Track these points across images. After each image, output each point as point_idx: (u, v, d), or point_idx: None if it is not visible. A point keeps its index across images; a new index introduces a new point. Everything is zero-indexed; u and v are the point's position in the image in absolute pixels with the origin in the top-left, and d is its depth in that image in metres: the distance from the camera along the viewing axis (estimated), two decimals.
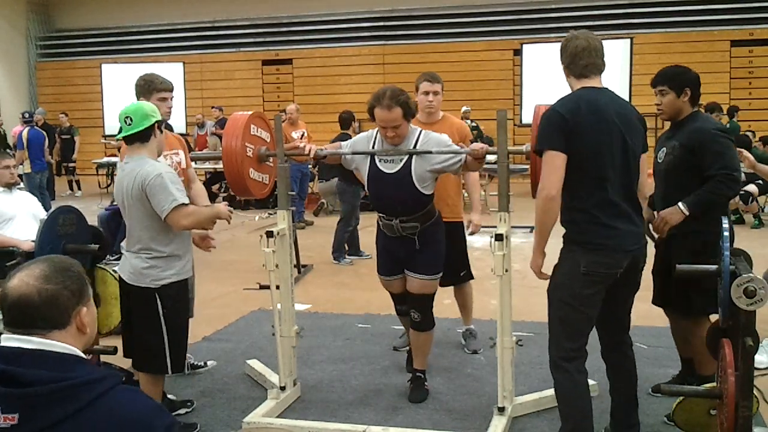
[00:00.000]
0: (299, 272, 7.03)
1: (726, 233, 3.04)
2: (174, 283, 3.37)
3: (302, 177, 10.09)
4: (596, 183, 2.90)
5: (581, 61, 2.97)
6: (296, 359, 4.02)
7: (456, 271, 4.46)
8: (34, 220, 4.56)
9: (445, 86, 4.49)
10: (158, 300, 3.33)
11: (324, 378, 4.29)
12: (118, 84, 14.90)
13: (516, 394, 3.68)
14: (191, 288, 4.20)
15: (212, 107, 14.78)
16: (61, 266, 1.60)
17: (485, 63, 15.58)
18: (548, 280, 3.08)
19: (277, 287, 3.84)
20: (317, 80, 16.40)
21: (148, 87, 3.90)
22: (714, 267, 3.03)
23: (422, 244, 3.77)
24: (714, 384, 3.18)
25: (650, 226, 3.62)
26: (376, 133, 3.77)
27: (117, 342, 4.12)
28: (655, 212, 3.61)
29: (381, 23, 16.42)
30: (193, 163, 4.36)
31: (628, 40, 13.45)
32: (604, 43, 3.08)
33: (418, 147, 3.66)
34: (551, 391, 3.29)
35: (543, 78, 12.27)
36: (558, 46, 3.10)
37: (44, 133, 11.61)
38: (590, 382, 3.71)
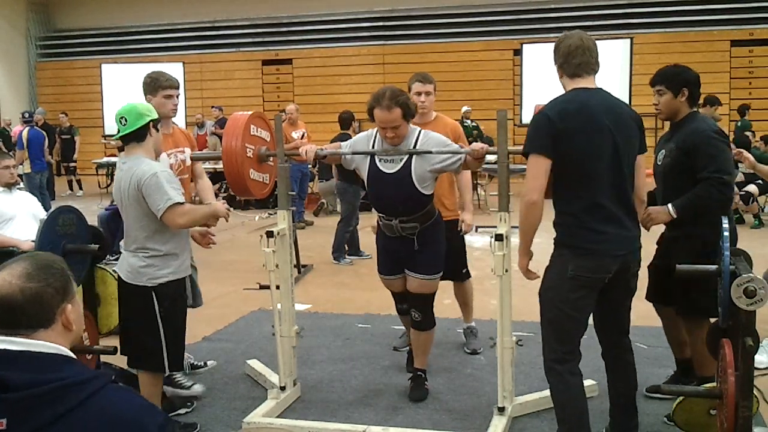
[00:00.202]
0: (299, 272, 7.03)
1: (726, 233, 3.04)
2: (171, 282, 3.38)
3: (302, 177, 10.09)
4: (585, 186, 2.88)
5: (574, 60, 2.94)
6: (296, 359, 4.02)
7: (456, 268, 4.46)
8: (34, 220, 4.56)
9: (445, 86, 4.50)
10: (155, 298, 3.34)
11: (324, 378, 4.29)
12: (117, 84, 14.92)
13: (516, 394, 3.68)
14: (194, 279, 4.23)
15: (212, 107, 14.80)
16: (43, 263, 1.58)
17: (485, 63, 15.59)
18: (540, 281, 3.07)
19: (277, 287, 3.84)
20: (317, 80, 16.41)
21: (154, 84, 3.93)
22: (714, 267, 3.03)
23: (422, 243, 3.77)
24: (714, 384, 3.18)
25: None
26: (376, 133, 3.76)
27: (117, 342, 4.12)
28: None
29: (381, 23, 16.43)
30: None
31: (628, 40, 13.45)
32: (604, 43, 3.08)
33: (417, 147, 3.66)
34: None
35: (543, 78, 12.23)
36: None
37: (44, 133, 11.62)
38: (590, 382, 3.73)
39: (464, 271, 4.56)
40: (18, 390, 1.41)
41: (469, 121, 12.81)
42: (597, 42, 3.04)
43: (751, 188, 9.19)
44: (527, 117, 13.15)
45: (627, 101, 9.50)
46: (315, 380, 4.24)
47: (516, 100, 14.67)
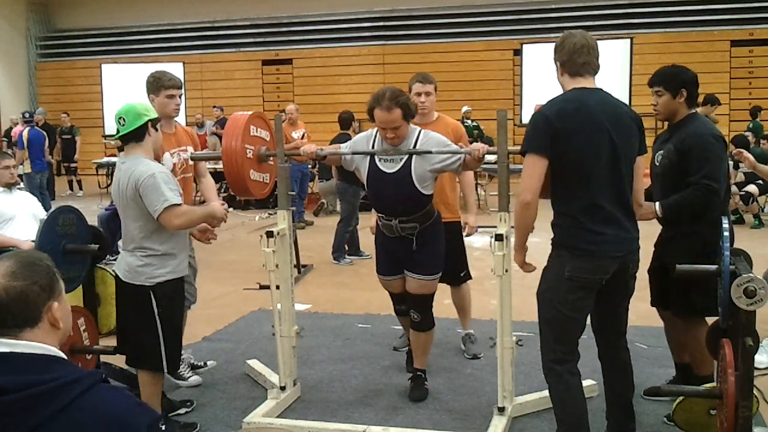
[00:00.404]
0: (299, 272, 7.03)
1: (726, 233, 3.04)
2: (169, 281, 3.38)
3: (302, 177, 10.09)
4: (582, 187, 2.87)
5: (579, 59, 2.93)
6: (296, 359, 4.02)
7: (455, 270, 4.46)
8: (34, 220, 4.56)
9: (446, 86, 4.50)
10: (153, 298, 3.34)
11: (324, 378, 4.29)
12: (118, 84, 14.91)
13: (516, 394, 3.68)
14: (193, 277, 4.23)
15: (213, 107, 14.80)
16: (28, 261, 1.55)
17: (485, 63, 15.59)
18: (539, 282, 3.07)
19: (277, 287, 3.84)
20: (317, 80, 16.41)
21: (156, 84, 3.94)
22: (714, 267, 3.03)
23: (421, 244, 3.77)
24: (714, 384, 3.18)
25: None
26: (376, 133, 3.76)
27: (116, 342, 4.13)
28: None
29: (381, 23, 16.42)
30: None
31: (628, 40, 13.44)
32: (604, 43, 3.07)
33: (417, 147, 3.66)
34: None
35: (543, 78, 12.23)
36: None
37: (44, 133, 11.61)
38: (590, 382, 3.73)
39: (462, 274, 4.55)
40: (8, 393, 1.40)
41: (469, 121, 12.81)
42: (597, 42, 3.03)
43: (751, 188, 9.19)
44: (527, 117, 13.12)
45: (627, 101, 9.52)
46: (315, 380, 4.24)
47: (516, 100, 14.67)
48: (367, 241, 7.80)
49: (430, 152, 3.64)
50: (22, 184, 5.51)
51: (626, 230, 2.95)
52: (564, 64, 2.96)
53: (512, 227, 3.51)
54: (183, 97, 4.14)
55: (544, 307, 3.02)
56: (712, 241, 3.21)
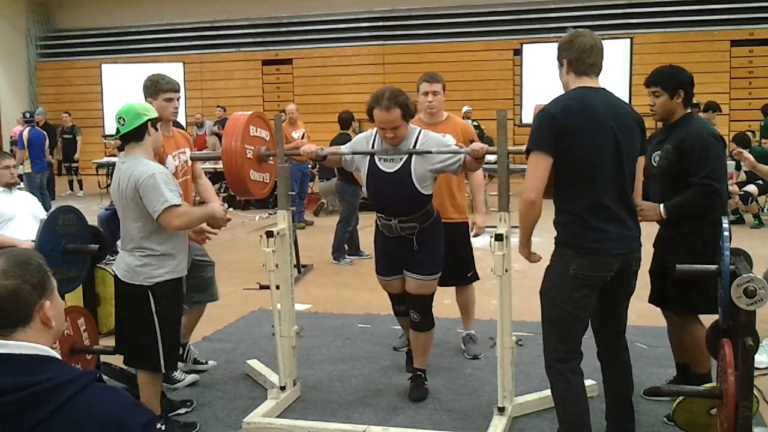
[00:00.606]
0: (299, 272, 7.03)
1: (726, 233, 3.04)
2: (168, 281, 3.37)
3: (302, 177, 10.09)
4: (587, 185, 2.87)
5: (588, 59, 2.94)
6: (296, 359, 4.02)
7: (462, 271, 4.46)
8: (34, 220, 4.56)
9: (445, 86, 4.47)
10: (151, 298, 3.34)
11: (324, 378, 4.29)
12: (117, 84, 14.93)
13: (516, 394, 3.68)
14: (212, 272, 4.29)
15: (217, 107, 14.78)
16: (19, 260, 1.54)
17: (485, 63, 15.59)
18: (541, 281, 3.07)
19: (277, 287, 3.84)
20: (317, 80, 16.41)
21: (154, 88, 3.94)
22: (714, 267, 3.03)
23: (421, 244, 3.77)
24: (714, 384, 3.18)
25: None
26: (375, 133, 3.76)
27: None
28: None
29: (381, 23, 16.42)
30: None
31: (628, 40, 13.45)
32: (605, 43, 3.06)
33: (417, 147, 3.66)
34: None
35: (543, 78, 12.26)
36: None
37: (45, 133, 11.61)
38: (590, 382, 3.72)
39: (470, 274, 4.54)
40: (3, 395, 1.40)
41: (469, 121, 12.82)
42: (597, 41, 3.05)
43: (751, 188, 9.19)
44: (527, 117, 13.16)
45: (627, 101, 9.51)
46: (315, 380, 4.24)
47: (516, 100, 14.67)
48: (367, 240, 7.80)
49: (430, 152, 3.64)
50: (22, 184, 5.51)
51: (629, 228, 2.97)
52: (571, 62, 2.96)
53: (512, 227, 3.52)
54: (183, 97, 4.14)
55: (547, 306, 3.02)
56: (712, 241, 3.21)
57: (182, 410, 3.82)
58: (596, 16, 14.68)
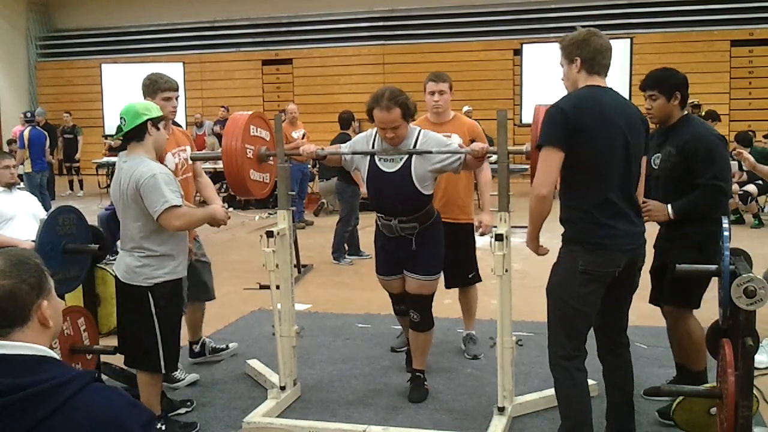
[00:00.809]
0: (299, 272, 7.03)
1: (726, 233, 3.04)
2: (167, 282, 3.37)
3: (302, 177, 10.09)
4: (596, 182, 2.90)
5: (603, 60, 2.97)
6: (296, 359, 4.02)
7: (464, 272, 4.45)
8: (34, 220, 4.56)
9: (452, 86, 4.46)
10: (151, 298, 3.34)
11: (324, 378, 4.29)
12: (117, 84, 14.92)
13: (516, 394, 3.68)
14: (208, 273, 4.35)
15: (221, 107, 14.77)
16: (16, 259, 1.53)
17: (485, 63, 15.58)
18: (548, 278, 3.08)
19: (277, 287, 3.84)
20: (317, 80, 16.41)
21: (152, 87, 3.95)
22: (714, 267, 3.03)
23: (421, 244, 3.77)
24: (713, 384, 3.18)
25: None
26: (375, 133, 3.76)
27: (117, 342, 4.13)
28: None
29: (380, 23, 16.42)
30: None
31: (628, 40, 13.44)
32: None
33: (417, 147, 3.66)
34: (551, 391, 3.28)
35: (543, 78, 12.29)
36: (558, 45, 3.09)
37: (45, 133, 11.61)
38: (591, 381, 3.71)
39: (471, 275, 4.54)
40: (1, 396, 1.39)
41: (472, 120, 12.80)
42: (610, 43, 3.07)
43: (750, 188, 9.20)
44: (527, 117, 13.16)
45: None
46: (315, 380, 4.24)
47: (516, 100, 14.67)
48: (367, 240, 7.80)
49: (430, 152, 3.64)
50: (22, 184, 5.51)
51: (635, 224, 3.00)
52: (586, 61, 2.97)
53: (513, 228, 3.52)
54: (183, 97, 4.15)
55: (554, 302, 3.02)
56: (713, 241, 3.22)
57: (182, 410, 3.82)
58: (596, 16, 14.67)
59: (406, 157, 3.65)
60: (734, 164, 6.09)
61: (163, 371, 3.47)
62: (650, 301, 3.76)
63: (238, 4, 16.91)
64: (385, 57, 16.19)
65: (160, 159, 3.50)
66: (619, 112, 2.93)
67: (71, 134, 15.03)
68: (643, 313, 3.96)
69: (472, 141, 4.09)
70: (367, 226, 7.99)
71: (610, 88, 3.01)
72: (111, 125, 14.76)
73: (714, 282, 3.20)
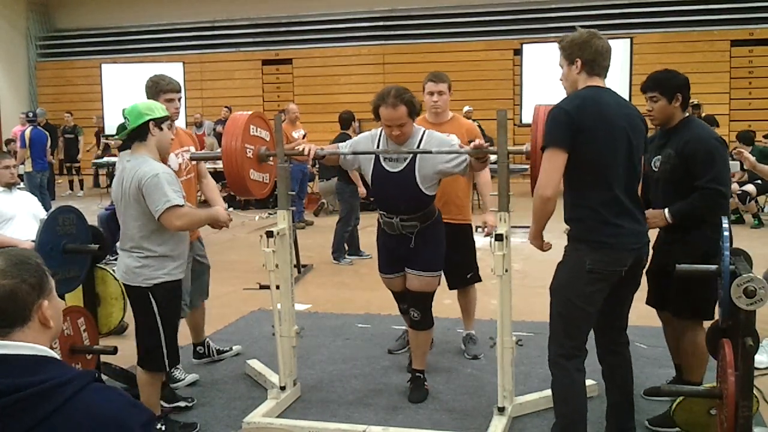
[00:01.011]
0: (299, 272, 7.03)
1: (726, 233, 3.04)
2: (166, 283, 3.38)
3: (302, 177, 10.09)
4: (602, 181, 2.91)
5: (604, 62, 2.99)
6: (296, 359, 4.02)
7: (462, 273, 4.46)
8: (34, 220, 4.56)
9: (451, 86, 4.46)
10: (152, 299, 3.35)
11: (324, 378, 4.29)
12: (117, 84, 14.92)
13: (516, 394, 3.68)
14: (206, 275, 4.37)
15: (224, 107, 14.76)
16: (17, 259, 1.53)
17: (485, 63, 15.58)
18: (552, 277, 3.08)
19: (277, 287, 3.84)
20: (317, 80, 16.41)
21: (155, 88, 3.97)
22: (714, 267, 3.03)
23: (421, 242, 3.79)
24: (713, 385, 3.18)
25: None
26: (380, 133, 3.78)
27: (117, 342, 4.14)
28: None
29: (380, 23, 16.42)
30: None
31: (628, 40, 13.44)
32: None
33: (421, 147, 3.68)
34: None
35: (543, 78, 12.27)
36: (557, 46, 3.10)
37: (47, 133, 11.60)
38: (591, 381, 3.72)
39: (469, 276, 4.54)
40: (2, 396, 1.39)
41: (471, 121, 12.80)
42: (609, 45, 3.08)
43: (749, 188, 9.19)
44: (527, 117, 13.15)
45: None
46: (315, 380, 4.24)
47: (516, 100, 14.67)
48: (367, 240, 7.81)
49: (430, 152, 3.65)
50: (22, 184, 5.51)
51: (640, 223, 3.01)
52: (587, 62, 2.98)
53: (513, 228, 3.52)
54: (183, 97, 4.15)
55: (558, 301, 3.03)
56: (715, 245, 3.20)
57: (182, 403, 3.84)
58: (596, 16, 14.67)
59: (410, 157, 3.67)
60: (736, 164, 6.09)
61: (167, 369, 3.51)
62: (647, 303, 3.75)
63: (238, 4, 16.91)
64: (385, 57, 16.19)
65: (163, 160, 3.50)
66: (620, 113, 2.94)
67: (72, 134, 15.03)
68: (643, 313, 3.95)
69: (471, 142, 4.10)
70: (367, 226, 8.00)
71: (610, 89, 3.03)
72: (111, 125, 14.76)
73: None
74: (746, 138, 9.66)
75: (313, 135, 10.75)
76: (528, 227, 3.08)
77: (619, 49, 13.02)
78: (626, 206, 2.94)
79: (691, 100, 3.72)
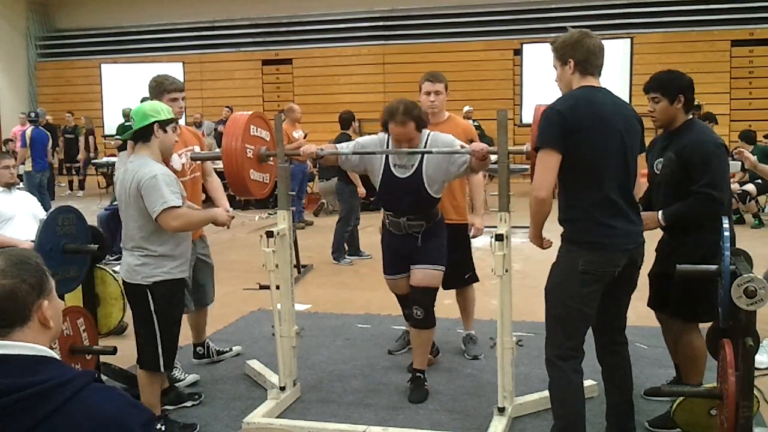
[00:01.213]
0: (299, 272, 7.03)
1: (726, 233, 3.04)
2: (166, 281, 3.40)
3: (302, 177, 10.09)
4: (595, 182, 2.90)
5: (597, 61, 2.98)
6: (296, 359, 4.01)
7: (460, 273, 4.46)
8: (33, 220, 4.56)
9: (447, 86, 4.47)
10: (150, 297, 3.38)
11: (324, 378, 4.29)
12: (117, 84, 14.94)
13: (516, 394, 3.67)
14: (211, 274, 4.36)
15: (225, 107, 14.76)
16: (17, 259, 1.53)
17: (485, 63, 15.58)
18: (547, 278, 3.08)
19: (277, 287, 3.84)
20: (317, 80, 16.41)
21: (159, 88, 3.99)
22: (714, 267, 3.03)
23: (425, 240, 3.88)
24: (713, 385, 3.18)
25: None
26: (388, 140, 3.86)
27: (117, 342, 4.13)
28: None
29: (380, 23, 16.42)
30: None
31: (628, 40, 13.44)
32: (604, 43, 3.08)
33: (426, 147, 3.75)
34: None
35: (543, 78, 12.24)
36: (549, 48, 3.10)
37: (48, 133, 11.60)
38: (591, 382, 3.73)
39: (467, 276, 4.55)
40: (2, 396, 1.39)
41: (470, 121, 12.81)
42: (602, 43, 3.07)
43: (749, 187, 9.19)
44: (527, 117, 13.16)
45: (627, 101, 9.54)
46: (315, 380, 4.24)
47: (516, 100, 14.67)
48: (367, 241, 7.81)
49: (430, 152, 3.69)
50: (21, 184, 5.50)
51: (634, 223, 3.00)
52: (579, 63, 2.98)
53: (513, 228, 3.52)
54: (184, 99, 4.16)
55: (553, 302, 3.02)
56: (714, 248, 3.19)
57: (189, 403, 3.86)
58: (596, 16, 14.68)
59: (418, 164, 3.75)
60: (737, 164, 6.07)
61: (162, 370, 3.50)
62: (648, 305, 3.74)
63: (238, 4, 16.91)
64: (385, 57, 16.19)
65: (166, 160, 3.53)
66: (614, 112, 2.93)
67: (72, 134, 15.03)
68: (643, 314, 3.95)
69: (471, 142, 4.11)
70: (367, 226, 8.00)
71: (605, 88, 3.01)
72: (111, 125, 14.77)
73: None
74: (748, 137, 9.66)
75: (313, 135, 10.74)
76: (528, 227, 3.08)
77: (619, 49, 13.05)
78: (620, 207, 2.93)
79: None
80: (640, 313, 3.69)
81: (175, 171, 3.69)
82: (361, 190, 7.56)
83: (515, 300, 3.56)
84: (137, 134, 3.40)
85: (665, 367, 4.14)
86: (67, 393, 1.42)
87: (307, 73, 16.62)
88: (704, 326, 3.56)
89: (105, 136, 15.61)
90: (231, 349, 4.69)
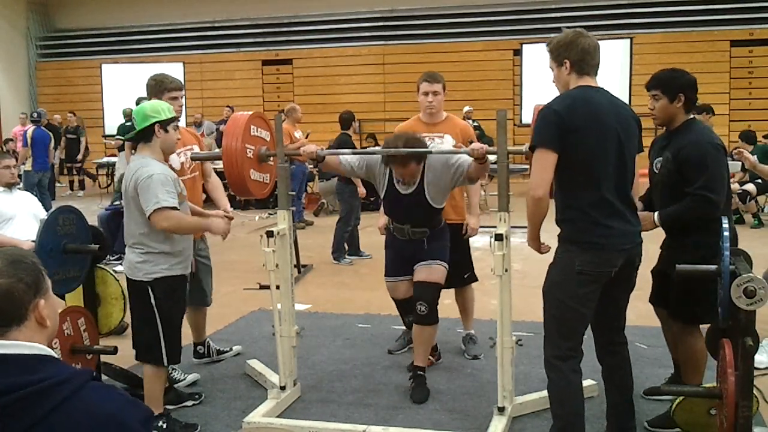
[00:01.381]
0: (299, 272, 7.03)
1: (726, 233, 3.03)
2: (167, 278, 3.46)
3: (302, 177, 10.10)
4: (592, 182, 2.90)
5: (592, 60, 2.98)
6: (296, 359, 4.02)
7: (459, 272, 4.47)
8: (34, 220, 4.56)
9: (445, 86, 4.47)
10: (151, 293, 3.43)
11: (324, 378, 4.29)
12: (118, 84, 14.93)
13: (516, 394, 3.68)
14: (208, 276, 4.39)
15: (226, 107, 14.76)
16: (14, 258, 1.53)
17: (485, 63, 15.58)
18: (544, 278, 3.08)
19: (277, 287, 3.84)
20: (317, 80, 16.40)
21: (158, 87, 4.02)
22: (713, 267, 3.03)
23: (429, 242, 3.96)
24: (714, 384, 3.18)
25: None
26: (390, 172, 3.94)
27: (117, 342, 4.13)
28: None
29: (381, 23, 16.41)
30: None
31: (628, 40, 13.44)
32: (604, 43, 3.10)
33: (425, 171, 3.84)
34: None
35: (543, 78, 12.24)
36: (545, 49, 3.10)
37: (50, 133, 11.59)
38: (590, 382, 3.73)
39: (466, 276, 4.56)
40: (2, 395, 1.39)
41: (470, 121, 12.81)
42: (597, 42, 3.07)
43: (749, 187, 9.19)
44: (527, 117, 13.16)
45: (627, 101, 9.53)
46: (315, 380, 4.24)
47: (516, 100, 14.67)
48: (367, 241, 7.82)
49: (430, 152, 3.74)
50: (21, 184, 5.50)
51: (631, 224, 3.00)
52: (575, 63, 2.98)
53: (513, 228, 3.52)
54: (183, 97, 4.18)
55: (551, 303, 3.03)
56: (714, 248, 3.18)
57: (189, 402, 3.87)
58: (596, 16, 14.68)
59: (419, 182, 3.85)
60: (737, 164, 6.07)
61: (166, 364, 3.54)
62: (650, 300, 3.75)
63: (238, 4, 16.91)
64: (386, 57, 16.19)
65: (166, 159, 3.57)
66: (611, 112, 2.93)
67: (74, 134, 15.03)
68: (643, 313, 3.96)
69: (470, 142, 4.12)
70: (367, 226, 8.00)
71: (602, 88, 3.01)
72: (111, 125, 14.77)
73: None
74: (749, 137, 9.65)
75: (313, 135, 10.74)
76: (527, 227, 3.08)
77: (619, 49, 13.06)
78: (617, 207, 2.92)
79: None
80: (639, 313, 3.70)
81: (173, 170, 3.70)
82: (362, 190, 7.56)
83: (515, 300, 3.56)
84: (139, 135, 3.46)
85: (665, 366, 4.15)
86: (66, 391, 1.42)
87: (307, 74, 16.61)
88: (704, 326, 3.57)
89: (105, 136, 15.61)
90: (231, 349, 4.70)
